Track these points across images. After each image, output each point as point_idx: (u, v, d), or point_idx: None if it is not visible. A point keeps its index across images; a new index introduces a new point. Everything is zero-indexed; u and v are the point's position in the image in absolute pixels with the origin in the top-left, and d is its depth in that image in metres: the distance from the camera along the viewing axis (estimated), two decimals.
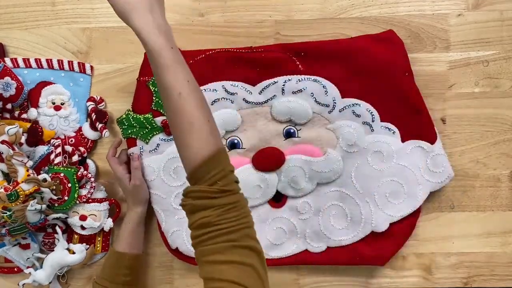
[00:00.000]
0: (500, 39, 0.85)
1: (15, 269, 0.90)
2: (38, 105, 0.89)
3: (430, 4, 0.86)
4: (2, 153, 0.81)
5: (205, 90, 0.84)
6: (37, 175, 0.81)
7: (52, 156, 0.86)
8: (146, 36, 0.58)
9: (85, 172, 0.86)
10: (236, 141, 0.85)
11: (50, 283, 0.87)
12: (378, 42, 0.82)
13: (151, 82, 0.85)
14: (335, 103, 0.83)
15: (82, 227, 0.86)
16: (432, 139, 0.83)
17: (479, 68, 0.86)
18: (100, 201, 0.87)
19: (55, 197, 0.83)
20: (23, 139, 0.84)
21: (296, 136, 0.85)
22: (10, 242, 0.87)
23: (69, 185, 0.84)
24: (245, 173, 0.84)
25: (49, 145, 0.87)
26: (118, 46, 0.89)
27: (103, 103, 0.89)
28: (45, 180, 0.81)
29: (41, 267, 0.87)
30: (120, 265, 0.82)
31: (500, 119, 0.86)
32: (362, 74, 0.82)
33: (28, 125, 0.86)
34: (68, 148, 0.87)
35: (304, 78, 0.83)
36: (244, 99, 0.84)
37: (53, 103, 0.89)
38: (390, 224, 0.83)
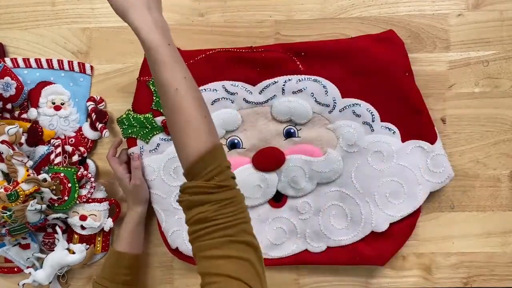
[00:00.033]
0: (500, 39, 0.85)
1: (15, 269, 0.90)
2: (38, 105, 0.89)
3: (430, 4, 0.86)
4: (2, 153, 0.81)
5: (205, 90, 0.84)
6: (37, 175, 0.81)
7: (52, 156, 0.86)
8: (144, 32, 0.59)
9: (85, 172, 0.86)
10: (236, 141, 0.85)
11: (50, 283, 0.87)
12: (378, 42, 0.82)
13: (151, 82, 0.85)
14: (335, 103, 0.83)
15: (82, 227, 0.86)
16: (432, 139, 0.83)
17: (479, 68, 0.86)
18: (100, 201, 0.87)
19: (55, 197, 0.83)
20: (23, 139, 0.84)
21: (296, 136, 0.84)
22: (10, 242, 0.87)
23: (69, 185, 0.84)
24: (245, 173, 0.83)
25: (49, 145, 0.87)
26: (118, 46, 0.89)
27: (103, 103, 0.89)
28: (45, 180, 0.81)
29: (41, 267, 0.87)
30: (120, 265, 0.82)
31: (500, 119, 0.86)
32: (362, 74, 0.82)
33: (28, 125, 0.86)
34: (68, 148, 0.87)
35: (304, 78, 0.83)
36: (244, 99, 0.84)
37: (53, 103, 0.89)
38: (390, 224, 0.83)
